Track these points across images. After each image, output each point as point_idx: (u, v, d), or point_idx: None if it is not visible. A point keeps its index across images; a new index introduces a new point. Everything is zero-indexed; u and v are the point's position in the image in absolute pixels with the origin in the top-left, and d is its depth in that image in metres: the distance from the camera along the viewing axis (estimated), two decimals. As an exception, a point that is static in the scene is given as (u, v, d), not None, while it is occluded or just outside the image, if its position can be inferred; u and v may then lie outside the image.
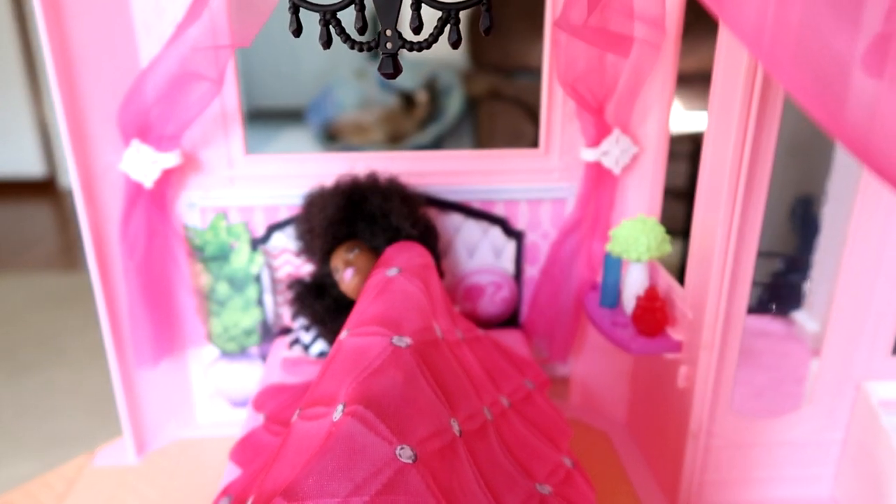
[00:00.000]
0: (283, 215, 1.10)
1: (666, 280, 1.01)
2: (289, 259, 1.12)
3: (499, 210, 1.12)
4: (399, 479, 0.58)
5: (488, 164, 1.10)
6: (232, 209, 1.09)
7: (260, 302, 1.13)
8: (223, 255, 1.11)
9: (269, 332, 1.16)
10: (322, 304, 0.99)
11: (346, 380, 0.67)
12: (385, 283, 0.82)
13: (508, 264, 1.16)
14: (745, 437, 0.96)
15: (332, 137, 2.72)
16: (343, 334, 0.75)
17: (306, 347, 1.06)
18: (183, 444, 1.15)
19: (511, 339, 1.12)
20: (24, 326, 1.88)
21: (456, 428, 0.69)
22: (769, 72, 0.58)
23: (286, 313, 1.14)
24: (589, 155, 1.04)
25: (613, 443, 1.14)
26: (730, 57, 0.81)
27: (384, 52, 0.59)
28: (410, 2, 0.57)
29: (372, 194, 0.97)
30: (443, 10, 0.57)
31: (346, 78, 2.82)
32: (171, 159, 1.00)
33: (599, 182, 1.06)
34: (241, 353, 1.17)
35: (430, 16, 0.56)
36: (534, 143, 1.10)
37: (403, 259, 0.88)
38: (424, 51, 0.61)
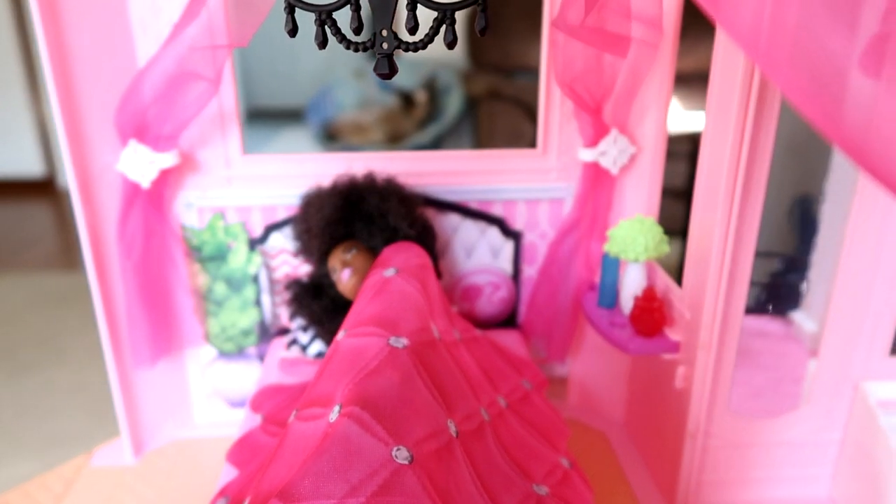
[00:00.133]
0: (281, 215, 1.10)
1: (664, 280, 1.01)
2: (286, 259, 1.12)
3: (497, 210, 1.12)
4: (395, 481, 0.58)
5: (486, 164, 1.10)
6: (229, 209, 1.09)
7: (258, 302, 1.13)
8: (221, 256, 1.11)
9: (267, 333, 1.16)
10: (320, 304, 0.99)
11: (343, 381, 0.67)
12: (382, 283, 0.82)
13: (506, 264, 1.16)
14: (743, 438, 0.96)
15: (331, 137, 2.72)
16: (340, 335, 0.75)
17: (304, 348, 1.06)
18: (180, 445, 1.15)
19: (509, 339, 1.12)
20: (24, 326, 1.88)
21: (452, 429, 0.69)
22: (766, 74, 0.58)
23: (284, 314, 1.14)
24: (587, 155, 1.03)
25: (611, 443, 1.14)
26: (727, 57, 0.81)
27: (380, 52, 0.59)
28: (406, 2, 0.57)
29: (369, 194, 0.97)
30: (438, 10, 0.56)
31: (345, 78, 2.82)
32: (168, 159, 1.00)
33: (597, 182, 1.06)
34: (239, 353, 1.16)
35: (426, 16, 0.56)
36: (533, 143, 1.10)
37: (401, 259, 0.88)
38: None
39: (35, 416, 1.45)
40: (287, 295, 1.02)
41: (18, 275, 2.27)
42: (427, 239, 0.99)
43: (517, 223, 1.13)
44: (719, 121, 0.83)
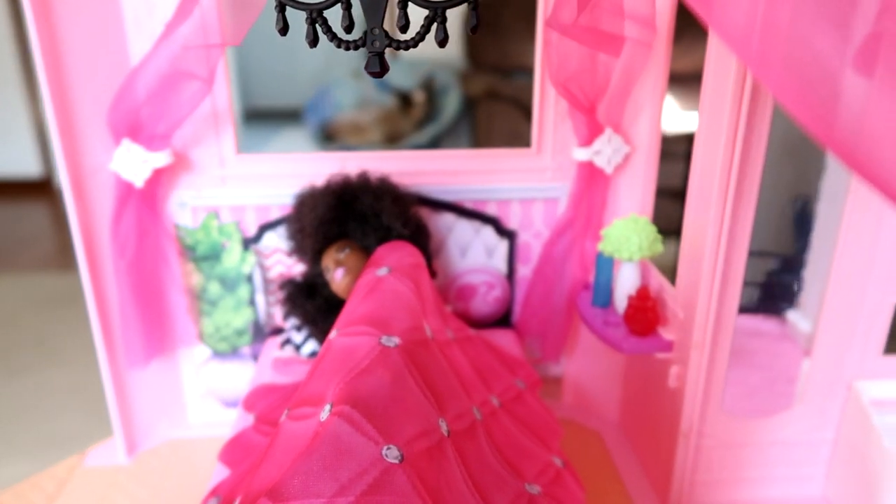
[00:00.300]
0: (275, 215, 1.10)
1: (658, 279, 1.01)
2: (280, 259, 1.12)
3: (491, 210, 1.12)
4: (385, 480, 0.58)
5: (480, 163, 1.10)
6: (223, 208, 1.09)
7: (252, 302, 1.13)
8: (215, 255, 1.10)
9: (261, 332, 1.16)
10: (313, 303, 0.99)
11: (334, 380, 0.67)
12: (375, 282, 0.82)
13: (501, 264, 1.16)
14: (737, 437, 0.96)
15: (329, 137, 2.71)
16: (332, 334, 0.75)
17: (298, 347, 1.06)
18: (174, 445, 1.15)
19: (503, 338, 1.12)
20: (21, 327, 1.87)
21: (444, 428, 0.69)
22: (758, 78, 0.58)
23: (278, 313, 1.14)
24: (581, 154, 1.03)
25: (606, 442, 1.14)
26: (720, 57, 0.80)
27: (371, 50, 0.59)
28: (397, 0, 0.56)
29: (363, 194, 0.97)
30: (429, 8, 0.56)
31: (343, 78, 2.81)
32: (161, 158, 1.00)
33: (592, 181, 1.06)
34: (233, 352, 1.16)
35: (418, 15, 0.56)
36: (530, 143, 1.10)
37: (394, 259, 0.88)
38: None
39: (31, 416, 1.44)
40: (281, 294, 1.02)
41: (15, 275, 2.26)
42: (421, 238, 0.99)
43: (512, 223, 1.13)
44: (712, 121, 0.83)
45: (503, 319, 1.19)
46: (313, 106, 2.69)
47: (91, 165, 0.99)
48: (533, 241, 1.14)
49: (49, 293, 2.10)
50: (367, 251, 0.96)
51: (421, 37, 0.58)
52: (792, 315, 1.03)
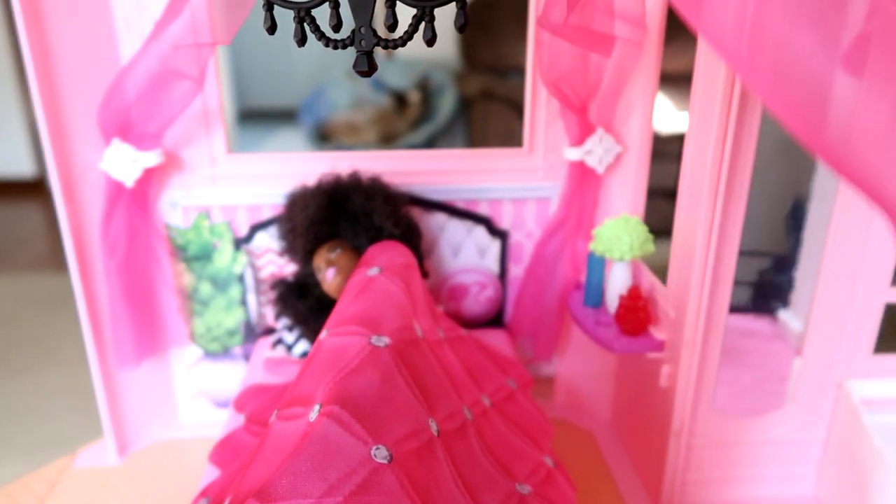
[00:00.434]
0: (266, 215, 1.10)
1: (649, 279, 1.01)
2: (272, 259, 1.12)
3: (483, 209, 1.12)
4: (373, 480, 0.57)
5: (472, 163, 1.10)
6: (214, 208, 1.09)
7: (243, 302, 1.13)
8: (206, 255, 1.10)
9: (253, 333, 1.15)
10: (305, 303, 0.98)
11: (324, 380, 0.67)
12: (366, 282, 0.82)
13: (493, 264, 1.16)
14: (728, 436, 0.96)
15: (324, 138, 2.71)
16: (323, 334, 0.75)
17: (289, 347, 1.06)
18: (165, 445, 1.14)
19: (495, 338, 1.12)
20: (15, 328, 1.87)
21: (434, 428, 0.69)
22: (746, 83, 0.58)
23: (269, 313, 1.14)
24: (573, 154, 1.03)
25: (598, 442, 1.14)
26: (710, 58, 0.81)
27: (359, 49, 0.58)
28: (385, -1, 0.56)
29: (354, 193, 0.97)
30: (417, 7, 0.56)
31: (338, 78, 2.81)
32: (152, 158, 0.99)
33: (583, 181, 1.06)
34: (225, 353, 1.16)
35: (406, 14, 0.56)
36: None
37: (385, 258, 0.88)
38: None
39: (26, 417, 1.44)
40: (272, 294, 1.02)
41: (9, 276, 2.26)
42: (412, 238, 0.99)
43: (504, 222, 1.13)
44: (702, 121, 0.83)
45: (495, 319, 1.19)
46: (308, 106, 2.68)
47: (81, 165, 0.99)
48: (525, 241, 1.14)
49: (45, 293, 2.09)
50: (358, 251, 0.96)
51: (409, 36, 0.58)
52: (783, 314, 1.03)
